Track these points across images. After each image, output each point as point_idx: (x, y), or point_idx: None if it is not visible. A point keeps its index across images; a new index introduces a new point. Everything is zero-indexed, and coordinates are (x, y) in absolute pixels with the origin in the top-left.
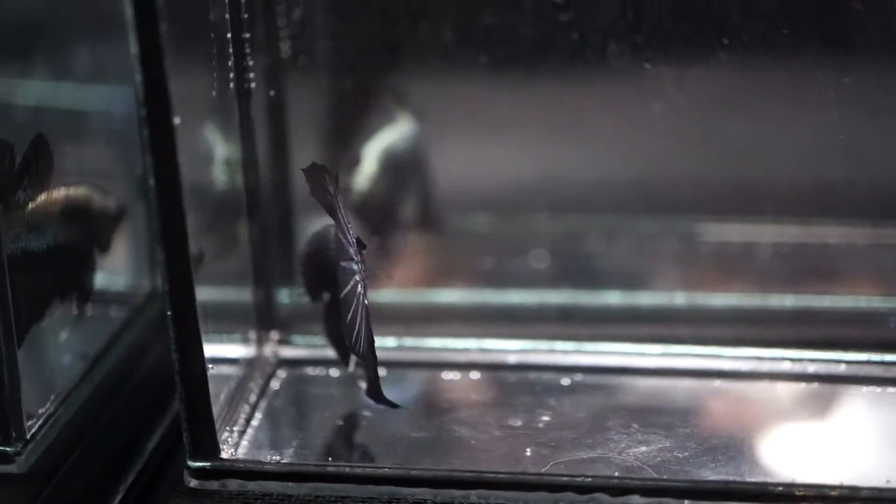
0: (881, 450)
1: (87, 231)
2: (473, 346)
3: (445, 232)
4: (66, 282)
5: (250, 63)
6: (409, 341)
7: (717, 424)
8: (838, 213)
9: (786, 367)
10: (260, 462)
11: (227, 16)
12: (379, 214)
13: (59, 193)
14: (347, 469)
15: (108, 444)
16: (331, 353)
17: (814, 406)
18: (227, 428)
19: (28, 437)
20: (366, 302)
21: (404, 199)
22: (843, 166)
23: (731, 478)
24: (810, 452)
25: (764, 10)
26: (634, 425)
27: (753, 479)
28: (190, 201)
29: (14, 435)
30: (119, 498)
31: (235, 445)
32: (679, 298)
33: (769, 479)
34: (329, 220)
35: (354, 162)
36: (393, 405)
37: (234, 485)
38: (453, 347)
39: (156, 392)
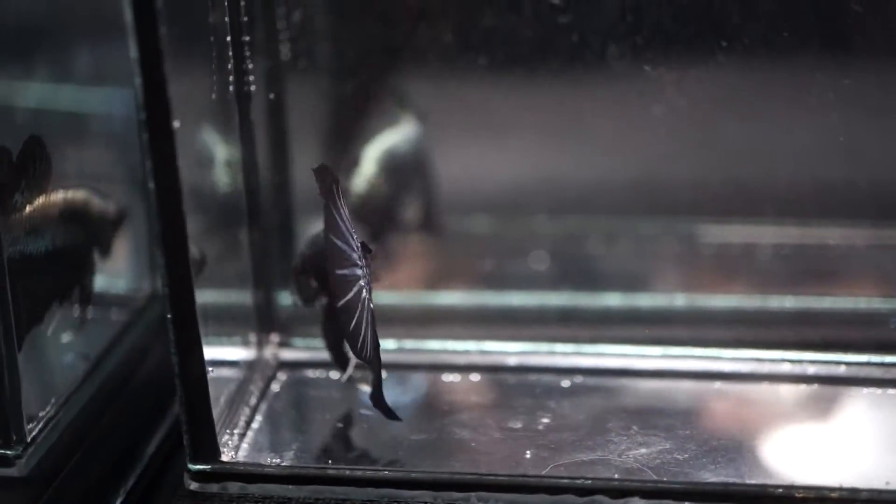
0: (881, 451)
1: (86, 234)
2: (473, 348)
3: (445, 236)
4: (66, 285)
5: (250, 66)
6: (409, 343)
7: (717, 426)
8: (838, 215)
9: (786, 368)
10: (260, 465)
11: (226, 19)
12: (377, 217)
13: (58, 196)
14: (348, 471)
15: (108, 447)
16: None
17: (814, 408)
18: (228, 431)
19: (28, 440)
20: (371, 307)
21: (404, 201)
22: (843, 167)
23: (730, 480)
24: (810, 454)
25: (764, 12)
26: (634, 427)
27: (753, 481)
28: (189, 204)
29: (14, 438)
30: (119, 501)
31: (236, 448)
32: (679, 300)
33: (769, 481)
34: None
35: (354, 164)
36: (392, 415)
37: (234, 487)
38: (453, 349)
39: (156, 395)
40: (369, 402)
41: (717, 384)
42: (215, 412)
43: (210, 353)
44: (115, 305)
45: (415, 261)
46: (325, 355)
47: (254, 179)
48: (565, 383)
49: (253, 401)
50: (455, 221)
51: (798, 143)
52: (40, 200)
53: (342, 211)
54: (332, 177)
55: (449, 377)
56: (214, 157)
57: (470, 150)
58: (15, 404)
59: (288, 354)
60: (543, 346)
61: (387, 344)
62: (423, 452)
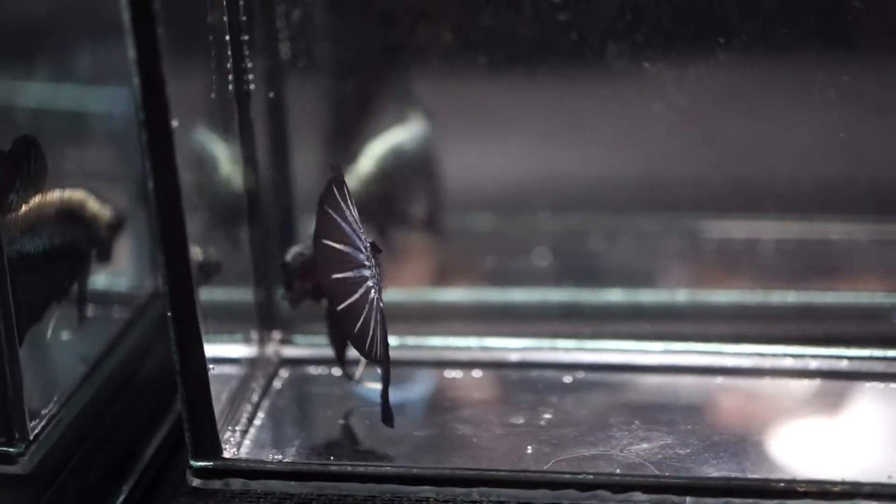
0: (884, 446)
1: (81, 234)
2: (475, 344)
3: (446, 235)
4: (64, 283)
5: (249, 65)
6: (412, 340)
7: (719, 421)
8: (840, 210)
9: (788, 363)
10: (262, 461)
11: (225, 18)
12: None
13: (55, 196)
14: (350, 467)
15: (111, 444)
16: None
17: (816, 402)
18: (230, 427)
19: (31, 437)
20: (381, 306)
21: (405, 199)
22: (844, 163)
23: (733, 474)
24: (812, 449)
25: (763, 9)
26: (636, 422)
27: (755, 476)
28: (189, 203)
29: (17, 436)
30: (122, 498)
31: (238, 445)
32: (681, 296)
33: (771, 476)
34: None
35: (352, 161)
36: (388, 419)
37: (236, 484)
38: (455, 346)
39: (159, 392)
40: (374, 399)
41: (720, 379)
42: (217, 409)
43: (211, 350)
44: (117, 304)
45: (417, 258)
46: (327, 352)
47: (254, 177)
48: (567, 379)
49: (255, 398)
50: (458, 219)
51: (799, 138)
52: (36, 200)
53: (347, 212)
54: (334, 178)
55: (451, 373)
56: (214, 155)
57: (471, 148)
58: (17, 402)
59: (290, 351)
60: (545, 343)
61: (389, 340)
62: (425, 448)
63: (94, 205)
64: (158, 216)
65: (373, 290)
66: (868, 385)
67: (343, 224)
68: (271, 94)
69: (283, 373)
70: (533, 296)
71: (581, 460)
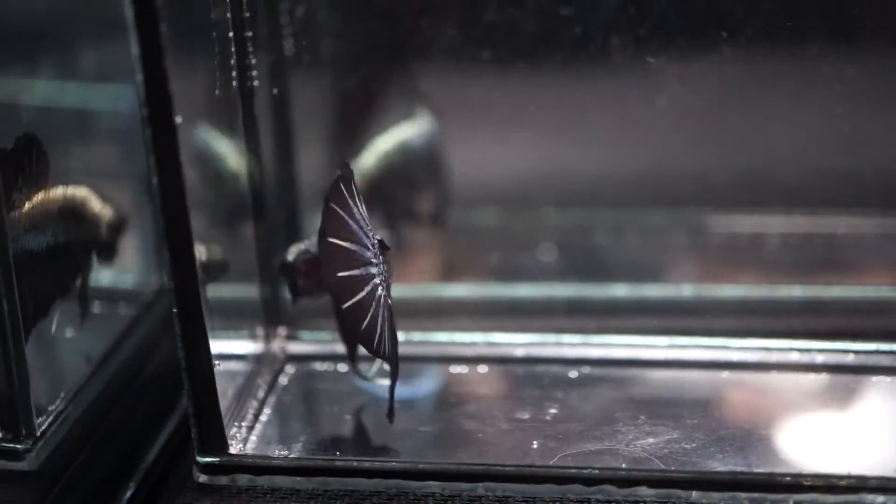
0: (890, 439)
1: (84, 231)
2: (481, 339)
3: (447, 229)
4: (67, 280)
5: (253, 61)
6: (417, 336)
7: (725, 415)
8: (846, 204)
9: (794, 357)
10: (268, 457)
11: (228, 14)
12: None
13: (58, 193)
14: (355, 463)
15: (117, 440)
16: (339, 348)
17: (822, 396)
18: (236, 423)
19: (38, 434)
20: (390, 302)
21: (411, 195)
22: (850, 157)
23: (738, 468)
24: (818, 442)
25: (768, 3)
26: (642, 417)
27: (761, 470)
28: (194, 200)
29: (24, 432)
30: (129, 494)
31: (244, 441)
32: (687, 290)
33: (777, 470)
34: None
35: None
36: (390, 415)
37: (243, 480)
38: (461, 341)
39: (165, 388)
40: (380, 395)
41: (725, 374)
42: (223, 405)
43: (217, 346)
44: (124, 300)
45: (423, 253)
46: (333, 348)
47: (258, 174)
48: (573, 374)
49: (261, 394)
50: (463, 215)
51: (804, 133)
52: (39, 197)
53: (354, 209)
54: (341, 176)
55: (457, 369)
56: (218, 152)
57: (475, 144)
58: (24, 398)
59: (296, 347)
60: (551, 338)
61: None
62: (430, 443)
63: (95, 204)
64: (163, 213)
65: (380, 288)
66: (874, 379)
67: (350, 221)
68: (275, 91)
69: (289, 369)
70: (538, 291)
71: (587, 455)
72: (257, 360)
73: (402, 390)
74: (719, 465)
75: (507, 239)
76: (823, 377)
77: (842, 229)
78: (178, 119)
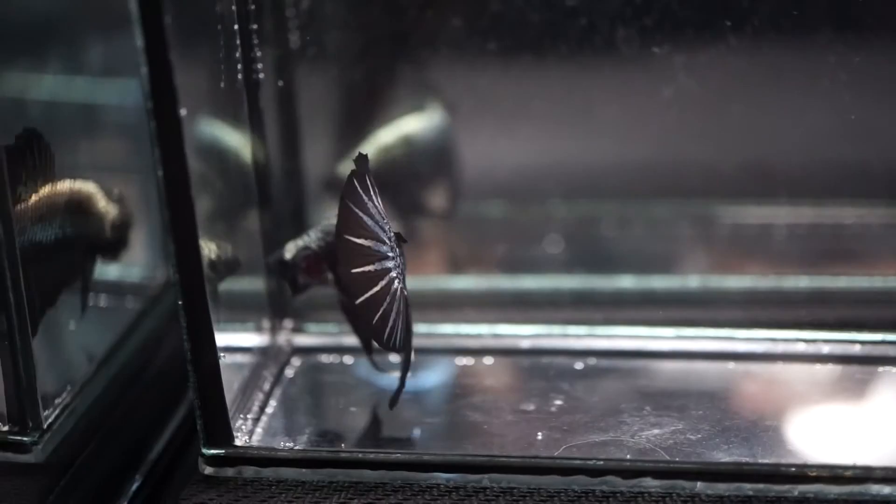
0: None
1: (88, 226)
2: (487, 331)
3: (454, 221)
4: (73, 275)
5: (258, 54)
6: (424, 328)
7: (730, 406)
8: (853, 194)
9: (801, 348)
10: (274, 449)
11: (233, 7)
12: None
13: (64, 187)
14: (360, 455)
15: (124, 432)
16: (345, 340)
17: (829, 387)
18: (242, 416)
19: (45, 426)
20: (406, 294)
21: (418, 188)
22: (857, 147)
23: (744, 459)
24: (824, 433)
25: None
26: (647, 408)
27: (766, 461)
28: (199, 192)
29: (31, 425)
30: (135, 486)
31: (250, 433)
32: (693, 281)
33: (782, 461)
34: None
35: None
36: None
37: (248, 471)
38: (467, 333)
39: (171, 381)
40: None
41: (731, 365)
42: (229, 397)
43: (223, 339)
44: (131, 294)
45: (430, 245)
46: (339, 340)
47: (264, 166)
48: (579, 366)
49: (267, 386)
50: (470, 206)
51: (811, 123)
52: (45, 191)
53: (369, 204)
54: (355, 171)
55: (463, 360)
56: (223, 145)
57: (482, 136)
58: (31, 391)
59: (302, 340)
60: (557, 329)
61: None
62: (436, 435)
63: (101, 201)
64: (168, 205)
65: (396, 281)
66: (881, 369)
67: (365, 217)
68: (280, 83)
69: (295, 361)
70: (545, 283)
71: (592, 446)
72: (263, 352)
73: (408, 382)
74: (724, 455)
75: (514, 231)
76: (830, 368)
77: (848, 219)
78: (183, 112)
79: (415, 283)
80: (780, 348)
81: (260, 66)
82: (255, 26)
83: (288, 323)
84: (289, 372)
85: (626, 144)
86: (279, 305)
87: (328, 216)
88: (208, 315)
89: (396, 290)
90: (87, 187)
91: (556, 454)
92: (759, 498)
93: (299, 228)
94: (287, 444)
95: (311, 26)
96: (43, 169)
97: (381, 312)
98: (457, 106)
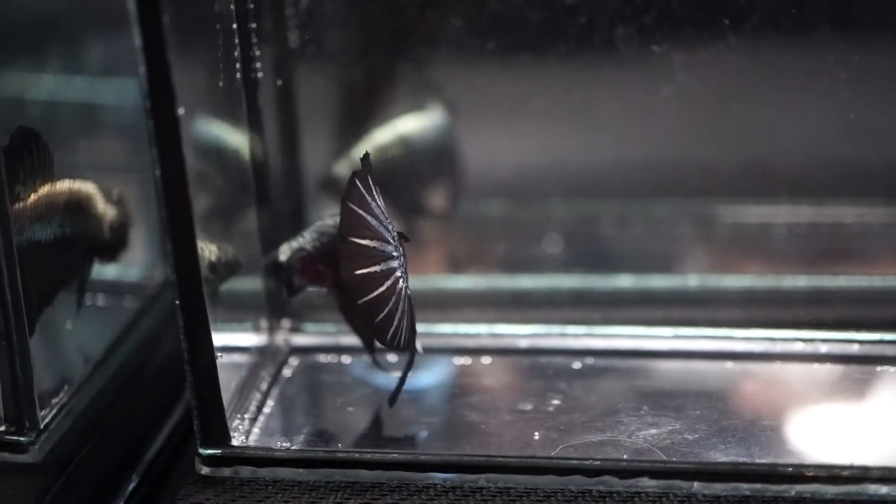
0: (894, 430)
1: (87, 226)
2: (485, 331)
3: (453, 219)
4: (71, 275)
5: (257, 53)
6: (422, 327)
7: (728, 406)
8: (852, 193)
9: (799, 347)
10: (271, 449)
11: (232, 6)
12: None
13: (63, 187)
14: (357, 455)
15: (121, 432)
16: (342, 340)
17: (827, 386)
18: (239, 415)
19: (42, 426)
20: (409, 293)
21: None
22: (856, 146)
23: (741, 459)
24: (822, 433)
25: None
26: (645, 408)
27: (764, 461)
28: (197, 192)
29: (28, 424)
30: (132, 486)
31: (247, 433)
32: (692, 281)
33: (779, 461)
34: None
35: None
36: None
37: (245, 471)
38: (465, 333)
39: (169, 381)
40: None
41: (729, 364)
42: (226, 397)
43: (220, 339)
44: (129, 293)
45: (429, 244)
46: (336, 340)
47: (263, 165)
48: (576, 365)
49: (264, 386)
50: (469, 205)
51: (810, 121)
52: (44, 190)
53: (372, 204)
54: (356, 173)
55: (461, 360)
56: (222, 144)
57: (481, 134)
58: (28, 391)
59: (299, 340)
60: (555, 329)
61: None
62: (433, 435)
63: (99, 202)
64: (165, 204)
65: (401, 280)
66: (879, 369)
67: (369, 218)
68: (279, 83)
69: (293, 361)
70: (543, 282)
71: (589, 446)
72: (261, 352)
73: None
74: (721, 455)
75: (513, 230)
76: (828, 367)
77: (848, 218)
78: (181, 111)
79: (413, 282)
80: (778, 348)
81: (259, 65)
82: (253, 25)
83: (286, 323)
84: (286, 372)
85: (625, 143)
86: (277, 305)
87: (324, 216)
88: (205, 315)
89: (401, 289)
90: (87, 188)
91: (553, 454)
92: (756, 498)
93: (298, 227)
94: (284, 444)
95: (310, 25)
96: (41, 169)
97: (385, 312)
98: (457, 106)
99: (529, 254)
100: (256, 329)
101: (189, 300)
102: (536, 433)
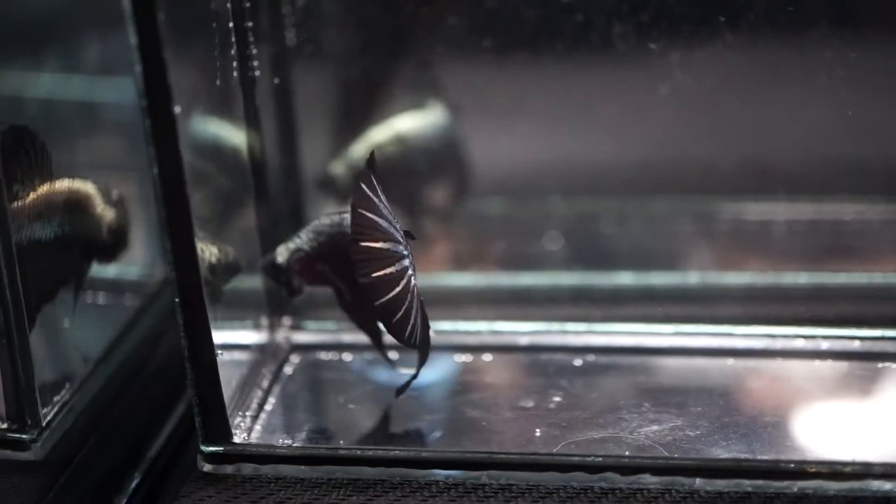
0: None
1: (86, 225)
2: (486, 328)
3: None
4: (71, 272)
5: (254, 51)
6: None
7: (729, 403)
8: (852, 190)
9: (800, 344)
10: (273, 446)
11: (228, 5)
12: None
13: (62, 185)
14: (359, 452)
15: (122, 430)
16: (343, 337)
17: (828, 383)
18: (240, 413)
19: (44, 424)
20: (416, 290)
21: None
22: (855, 143)
23: (742, 456)
24: (824, 430)
25: None
26: (646, 405)
27: (766, 457)
28: (195, 190)
29: (30, 422)
30: (134, 483)
31: (249, 430)
32: (692, 278)
33: (781, 457)
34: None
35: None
36: (398, 394)
37: (247, 469)
38: (466, 330)
39: (170, 378)
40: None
41: (730, 361)
42: (227, 395)
43: (221, 336)
44: (129, 291)
45: (429, 242)
46: (337, 337)
47: (261, 164)
48: (577, 362)
49: (265, 383)
50: (469, 203)
51: (809, 119)
52: (41, 189)
53: (381, 206)
54: (361, 176)
55: (461, 357)
56: (219, 142)
57: (480, 132)
58: (29, 388)
59: (300, 337)
60: (556, 326)
61: None
62: (434, 432)
63: (98, 203)
64: (163, 203)
65: (412, 279)
66: (880, 365)
67: (380, 220)
68: (277, 81)
69: (294, 358)
70: (544, 279)
71: (590, 443)
72: (262, 349)
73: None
74: (723, 452)
75: (513, 227)
76: (829, 364)
77: (848, 216)
78: (178, 109)
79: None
80: (779, 345)
81: (256, 63)
82: (250, 23)
83: (286, 320)
84: (287, 369)
85: (624, 141)
86: (277, 302)
87: (320, 216)
88: (205, 312)
89: (413, 287)
90: (86, 188)
91: (554, 451)
92: (758, 494)
93: (297, 225)
94: (286, 442)
95: (308, 23)
96: (39, 167)
97: (402, 311)
98: (459, 105)
99: (530, 251)
100: (257, 326)
101: (189, 298)
102: (538, 430)
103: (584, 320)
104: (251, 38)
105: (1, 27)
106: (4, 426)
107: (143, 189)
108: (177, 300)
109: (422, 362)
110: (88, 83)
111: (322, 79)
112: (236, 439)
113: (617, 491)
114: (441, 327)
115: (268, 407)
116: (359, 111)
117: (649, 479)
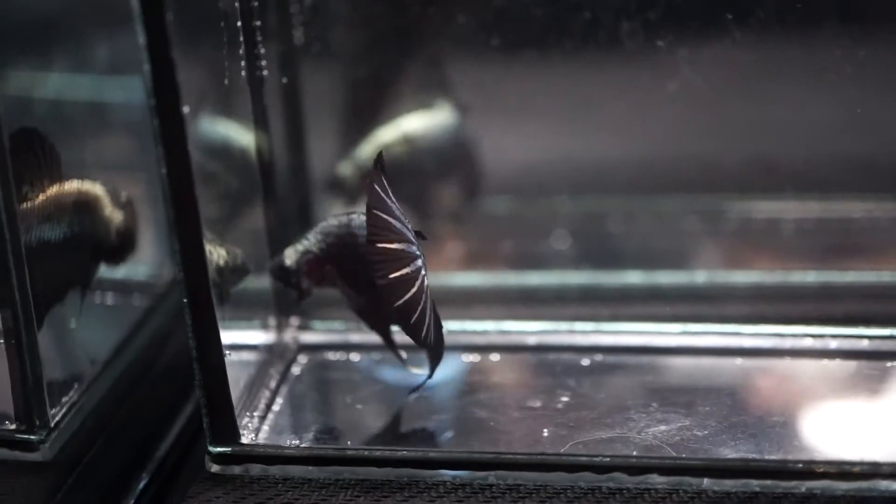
0: None
1: (94, 226)
2: (493, 328)
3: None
4: (80, 273)
5: (262, 51)
6: None
7: (737, 402)
8: (860, 188)
9: (808, 343)
10: (280, 447)
11: (236, 4)
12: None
13: (71, 187)
14: (367, 452)
15: (130, 430)
16: (351, 338)
17: (836, 382)
18: (248, 413)
19: (52, 425)
20: (429, 290)
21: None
22: (864, 141)
23: (750, 455)
24: (832, 429)
25: None
26: (654, 404)
27: (773, 457)
28: (202, 190)
29: (38, 423)
30: (142, 484)
31: (256, 430)
32: (700, 277)
33: (789, 457)
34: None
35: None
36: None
37: (255, 469)
38: (473, 330)
39: (178, 379)
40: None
41: (738, 361)
42: (235, 395)
43: (229, 337)
44: (137, 292)
45: (436, 242)
46: (345, 338)
47: (269, 163)
48: (585, 362)
49: (273, 384)
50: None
51: (817, 117)
52: (51, 190)
53: (393, 206)
54: (372, 177)
55: (469, 357)
56: (227, 142)
57: (488, 131)
58: (37, 389)
59: (308, 337)
60: (564, 325)
61: None
62: (442, 432)
63: (107, 205)
64: (172, 202)
65: (425, 279)
66: (889, 364)
67: (393, 222)
68: (285, 80)
69: (302, 359)
70: (551, 279)
71: (598, 443)
72: (269, 350)
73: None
74: (731, 452)
75: (521, 227)
76: (838, 363)
77: (856, 214)
78: (186, 109)
79: None
80: (787, 344)
81: (264, 62)
82: (258, 22)
83: (294, 320)
84: (295, 369)
85: (631, 140)
86: (285, 303)
87: (327, 217)
88: (213, 313)
89: (427, 286)
90: (94, 189)
91: (562, 451)
92: (766, 494)
93: (305, 225)
94: (293, 442)
95: (316, 22)
96: (48, 169)
97: (418, 312)
98: (468, 105)
99: (537, 250)
100: (265, 327)
101: (197, 298)
102: (545, 430)
103: (591, 320)
104: (259, 38)
105: (9, 27)
106: (13, 427)
107: (152, 189)
108: (185, 300)
109: (436, 362)
110: (97, 83)
111: (330, 78)
112: (244, 440)
113: (624, 491)
114: (449, 327)
115: (275, 407)
116: (367, 111)
117: (657, 480)
